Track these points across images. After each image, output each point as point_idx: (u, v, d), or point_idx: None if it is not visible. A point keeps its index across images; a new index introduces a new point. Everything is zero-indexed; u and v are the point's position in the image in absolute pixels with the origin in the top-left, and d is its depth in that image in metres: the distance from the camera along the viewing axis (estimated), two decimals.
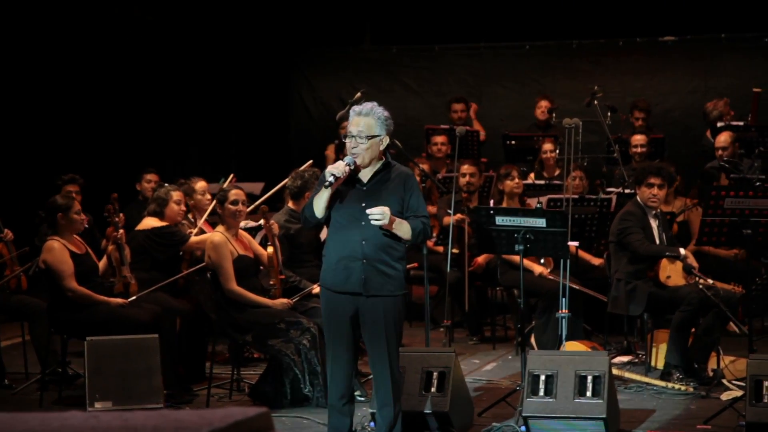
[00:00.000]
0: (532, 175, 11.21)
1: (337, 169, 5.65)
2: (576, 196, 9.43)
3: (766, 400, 6.22)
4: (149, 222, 8.20)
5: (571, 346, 8.02)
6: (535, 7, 13.81)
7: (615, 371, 7.65)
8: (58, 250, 7.47)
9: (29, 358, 8.54)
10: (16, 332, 9.14)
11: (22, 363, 8.57)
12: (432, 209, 10.25)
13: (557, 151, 11.14)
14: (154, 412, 2.45)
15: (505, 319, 10.48)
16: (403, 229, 5.67)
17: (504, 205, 9.34)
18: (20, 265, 8.60)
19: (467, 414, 6.83)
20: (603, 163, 11.92)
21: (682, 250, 8.23)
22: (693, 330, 8.15)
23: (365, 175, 5.77)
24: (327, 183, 5.62)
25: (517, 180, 9.54)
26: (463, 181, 9.96)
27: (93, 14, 11.95)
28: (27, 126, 11.45)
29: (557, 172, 11.05)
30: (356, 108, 5.83)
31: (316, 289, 7.39)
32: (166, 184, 8.45)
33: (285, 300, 7.59)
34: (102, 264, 8.02)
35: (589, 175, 10.86)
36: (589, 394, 6.39)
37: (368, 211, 5.59)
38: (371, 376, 6.68)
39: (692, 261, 8.19)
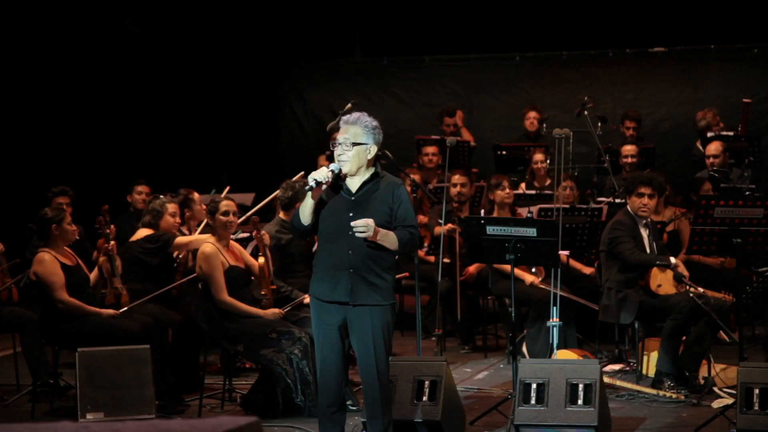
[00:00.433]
0: (523, 185, 11.24)
1: (319, 174, 5.65)
2: (567, 206, 9.45)
3: (756, 408, 6.24)
4: (143, 233, 8.21)
5: (563, 354, 8.04)
6: (525, 19, 13.84)
7: (606, 379, 7.65)
8: (49, 262, 7.47)
9: (20, 370, 8.52)
10: (8, 344, 9.12)
11: (14, 375, 8.56)
12: (423, 219, 10.27)
13: (548, 161, 11.17)
14: (145, 422, 2.46)
15: (497, 328, 10.49)
16: (390, 240, 5.67)
17: (495, 215, 9.36)
18: (11, 277, 8.60)
19: (459, 423, 6.83)
20: (593, 173, 11.95)
21: (672, 259, 8.25)
22: (684, 338, 8.17)
23: (354, 185, 5.78)
24: (307, 188, 5.64)
25: (507, 190, 9.57)
26: (454, 191, 9.99)
27: (83, 26, 11.96)
28: (17, 138, 11.45)
29: (548, 182, 11.08)
30: (344, 117, 5.86)
31: (308, 299, 7.39)
32: (161, 196, 8.43)
33: (276, 310, 7.60)
34: (93, 275, 8.02)
35: (579, 185, 10.89)
36: (580, 402, 6.40)
37: (352, 223, 5.59)
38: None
39: (683, 270, 8.21)
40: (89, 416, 6.98)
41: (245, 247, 8.26)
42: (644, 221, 8.44)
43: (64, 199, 9.44)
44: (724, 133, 11.45)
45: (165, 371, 7.66)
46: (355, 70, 14.66)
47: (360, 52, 14.75)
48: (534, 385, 6.50)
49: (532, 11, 13.83)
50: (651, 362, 8.41)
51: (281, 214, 8.19)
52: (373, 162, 5.81)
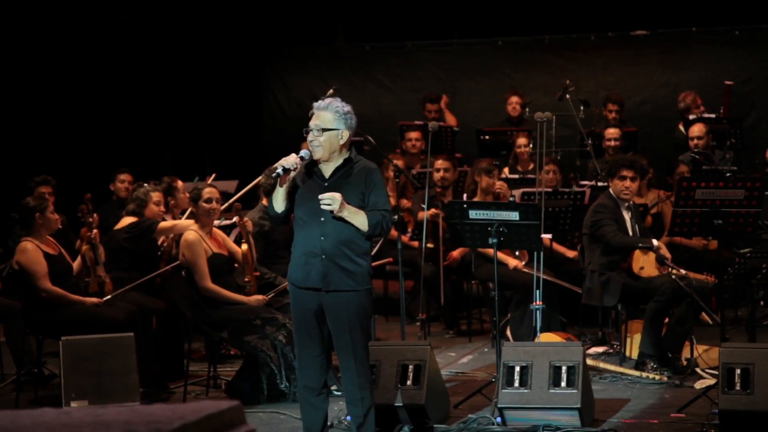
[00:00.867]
0: (506, 169, 11.25)
1: (287, 161, 5.65)
2: (549, 190, 9.47)
3: (738, 388, 6.28)
4: (127, 221, 8.19)
5: (546, 337, 8.07)
6: (507, 3, 13.84)
7: (590, 362, 7.70)
8: (32, 251, 7.46)
9: (5, 359, 8.52)
10: None
11: None
12: (407, 204, 10.29)
13: (531, 146, 11.18)
14: (127, 408, 2.47)
15: (481, 312, 10.53)
16: (359, 219, 5.64)
17: (478, 199, 9.37)
18: None
19: (443, 406, 6.86)
20: (576, 157, 11.97)
21: (654, 241, 8.29)
22: (666, 320, 8.21)
23: (327, 171, 5.76)
24: (274, 174, 5.64)
25: (496, 180, 9.50)
26: (437, 176, 10.00)
27: (65, 14, 11.91)
28: None
29: (531, 167, 11.09)
30: (315, 103, 5.85)
31: None
32: (145, 184, 8.41)
33: (260, 296, 7.61)
34: (76, 264, 8.01)
35: (562, 169, 10.92)
36: (563, 384, 6.43)
37: (320, 196, 5.58)
38: None
39: (665, 252, 8.25)
40: (74, 404, 6.98)
41: (228, 235, 8.26)
42: (626, 204, 8.47)
43: (46, 189, 9.42)
44: (706, 115, 11.48)
45: (149, 359, 7.67)
46: (337, 57, 14.64)
47: (342, 39, 14.73)
48: (517, 368, 6.52)
49: None
50: (634, 344, 8.45)
51: (264, 201, 8.19)
52: (348, 146, 5.79)
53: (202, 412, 2.37)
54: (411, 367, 6.61)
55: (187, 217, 8.63)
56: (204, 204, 7.61)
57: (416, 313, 9.44)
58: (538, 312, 7.82)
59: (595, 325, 9.32)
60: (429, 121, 12.00)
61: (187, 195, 8.81)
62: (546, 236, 8.87)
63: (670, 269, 8.16)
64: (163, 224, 8.15)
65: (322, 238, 5.66)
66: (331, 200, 5.55)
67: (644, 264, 8.27)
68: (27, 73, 11.62)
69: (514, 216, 7.06)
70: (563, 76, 12.52)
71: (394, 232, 8.78)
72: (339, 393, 7.17)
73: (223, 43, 13.96)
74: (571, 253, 9.67)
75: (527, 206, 7.44)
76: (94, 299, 7.62)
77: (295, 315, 5.85)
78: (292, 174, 5.70)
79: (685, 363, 8.04)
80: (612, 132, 11.24)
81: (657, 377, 7.78)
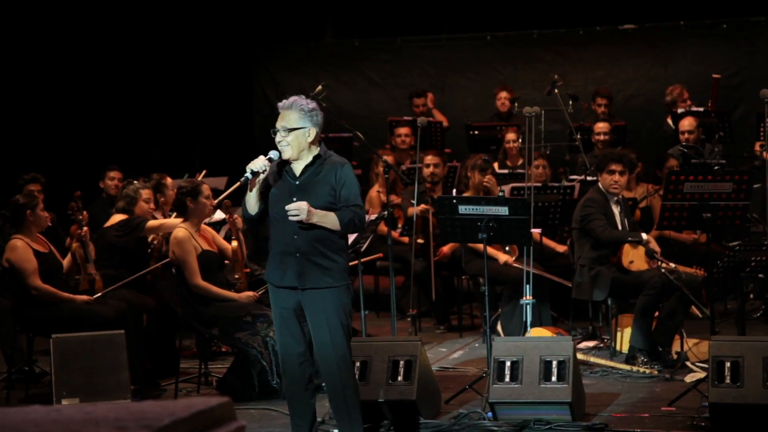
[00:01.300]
0: (495, 164, 11.25)
1: (255, 164, 5.65)
2: (539, 184, 9.48)
3: (728, 381, 6.30)
4: (117, 219, 8.18)
5: (537, 332, 8.09)
6: None
7: (580, 356, 7.72)
8: (22, 249, 7.46)
9: None
10: None
11: None
12: (396, 200, 10.29)
13: (520, 141, 11.19)
14: (117, 405, 2.46)
15: (472, 307, 10.53)
16: (329, 220, 5.64)
17: (468, 194, 9.37)
18: None
19: (434, 402, 6.87)
20: (566, 151, 12.00)
21: (643, 235, 8.31)
22: (656, 314, 8.23)
23: (297, 169, 5.75)
24: (243, 179, 5.65)
25: (489, 177, 9.45)
26: (426, 171, 10.01)
27: (55, 13, 11.88)
28: None
29: (520, 162, 11.10)
30: (280, 103, 5.84)
31: None
32: (135, 182, 8.41)
33: (250, 293, 7.61)
34: (66, 262, 8.01)
35: (551, 163, 10.93)
36: (554, 379, 6.45)
37: (286, 207, 5.59)
38: None
39: (654, 246, 8.27)
40: (64, 402, 6.98)
41: (218, 231, 8.26)
42: (615, 198, 8.49)
43: (35, 186, 9.40)
44: (695, 108, 11.51)
45: (140, 356, 7.67)
46: (326, 52, 14.63)
47: (331, 34, 14.72)
48: (508, 363, 6.54)
49: None
50: (624, 338, 8.47)
51: None
52: (318, 143, 5.79)
53: (192, 408, 2.37)
54: (402, 362, 6.62)
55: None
56: (204, 200, 7.62)
57: (407, 308, 9.46)
58: (528, 307, 7.83)
59: (585, 320, 9.34)
60: (417, 116, 12.02)
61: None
62: (535, 231, 8.89)
63: (659, 263, 8.18)
64: (151, 223, 8.13)
65: (296, 237, 5.66)
66: (297, 210, 5.56)
67: (634, 258, 8.29)
68: (15, 72, 11.59)
69: (503, 211, 7.08)
70: (552, 70, 12.53)
71: (383, 228, 8.80)
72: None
73: (212, 39, 13.94)
74: (560, 248, 9.68)
75: (517, 201, 7.46)
76: (85, 297, 7.62)
77: (275, 314, 5.87)
78: (261, 176, 5.70)
79: (675, 356, 8.07)
80: (601, 126, 11.25)
81: (647, 371, 7.80)
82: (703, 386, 6.68)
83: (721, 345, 6.50)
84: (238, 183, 5.83)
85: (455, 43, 14.21)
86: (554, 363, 6.48)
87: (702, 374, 7.27)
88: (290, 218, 5.58)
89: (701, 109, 11.53)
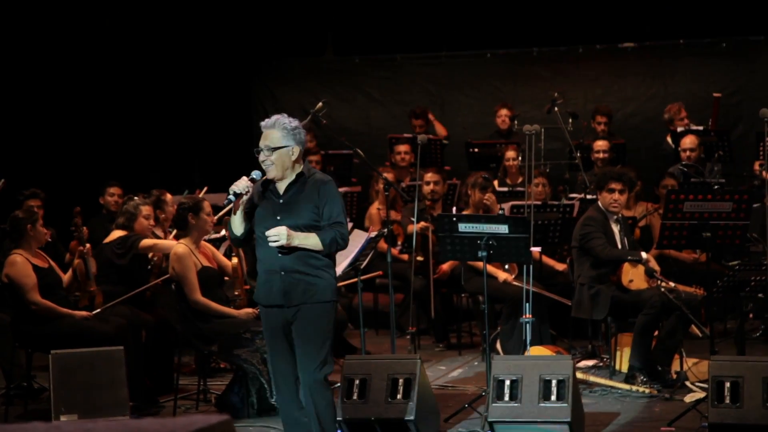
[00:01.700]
0: (495, 182, 11.26)
1: (238, 186, 5.67)
2: (539, 203, 9.48)
3: (728, 401, 6.29)
4: (117, 235, 8.18)
5: (536, 350, 8.08)
6: (496, 16, 13.87)
7: (579, 375, 7.71)
8: (21, 264, 7.46)
9: None
10: None
11: None
12: (396, 217, 10.29)
13: (520, 158, 11.19)
14: (117, 422, 2.46)
15: (471, 325, 10.52)
16: (311, 242, 5.65)
17: (468, 212, 9.37)
18: None
19: (433, 420, 6.85)
20: (565, 169, 12.00)
21: (643, 254, 8.30)
22: (656, 333, 8.22)
23: (281, 188, 5.76)
24: (226, 201, 5.66)
25: (489, 195, 9.44)
26: (426, 189, 10.02)
27: (52, 27, 11.90)
28: None
29: (520, 180, 11.10)
30: (262, 122, 5.85)
31: None
32: (135, 198, 8.40)
33: (250, 310, 7.59)
34: (67, 277, 8.00)
35: (551, 182, 10.93)
36: (553, 398, 6.43)
37: (266, 233, 5.60)
38: (337, 384, 6.72)
39: (654, 264, 8.26)
40: (63, 418, 6.97)
41: (218, 248, 8.25)
42: (615, 217, 8.49)
43: (35, 202, 9.40)
44: (694, 127, 11.52)
45: (139, 373, 7.65)
46: (326, 69, 14.65)
47: (331, 51, 14.73)
48: (507, 382, 6.52)
49: (502, 8, 13.86)
50: (624, 357, 8.46)
51: None
52: (301, 161, 5.78)
53: (192, 426, 2.37)
54: (401, 380, 6.61)
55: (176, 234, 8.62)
56: (206, 216, 7.63)
57: (406, 326, 9.44)
58: (527, 325, 7.82)
59: (584, 338, 9.33)
60: (417, 134, 12.04)
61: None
62: (535, 249, 8.88)
63: (659, 282, 8.18)
64: (145, 242, 8.08)
65: (280, 255, 5.67)
66: (276, 236, 5.56)
67: (633, 277, 8.28)
68: (15, 87, 11.60)
69: (503, 229, 7.07)
70: (551, 88, 12.54)
71: (383, 245, 8.79)
72: None
73: (212, 55, 13.96)
74: (560, 266, 9.67)
75: (516, 219, 7.46)
76: (84, 312, 7.61)
77: (265, 333, 5.90)
78: (245, 197, 5.70)
79: (674, 376, 8.05)
80: (600, 144, 11.27)
81: (647, 390, 7.78)
82: (703, 406, 6.67)
83: (720, 365, 6.49)
84: (225, 207, 5.86)
85: (455, 60, 14.24)
86: (554, 382, 6.46)
87: (702, 394, 7.26)
88: (270, 244, 5.58)
89: (701, 127, 11.54)
